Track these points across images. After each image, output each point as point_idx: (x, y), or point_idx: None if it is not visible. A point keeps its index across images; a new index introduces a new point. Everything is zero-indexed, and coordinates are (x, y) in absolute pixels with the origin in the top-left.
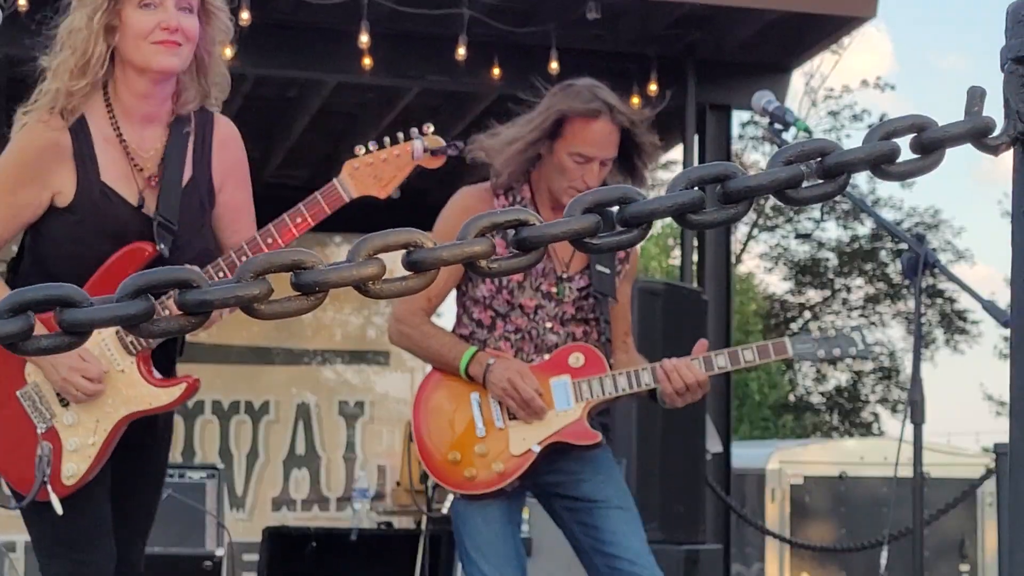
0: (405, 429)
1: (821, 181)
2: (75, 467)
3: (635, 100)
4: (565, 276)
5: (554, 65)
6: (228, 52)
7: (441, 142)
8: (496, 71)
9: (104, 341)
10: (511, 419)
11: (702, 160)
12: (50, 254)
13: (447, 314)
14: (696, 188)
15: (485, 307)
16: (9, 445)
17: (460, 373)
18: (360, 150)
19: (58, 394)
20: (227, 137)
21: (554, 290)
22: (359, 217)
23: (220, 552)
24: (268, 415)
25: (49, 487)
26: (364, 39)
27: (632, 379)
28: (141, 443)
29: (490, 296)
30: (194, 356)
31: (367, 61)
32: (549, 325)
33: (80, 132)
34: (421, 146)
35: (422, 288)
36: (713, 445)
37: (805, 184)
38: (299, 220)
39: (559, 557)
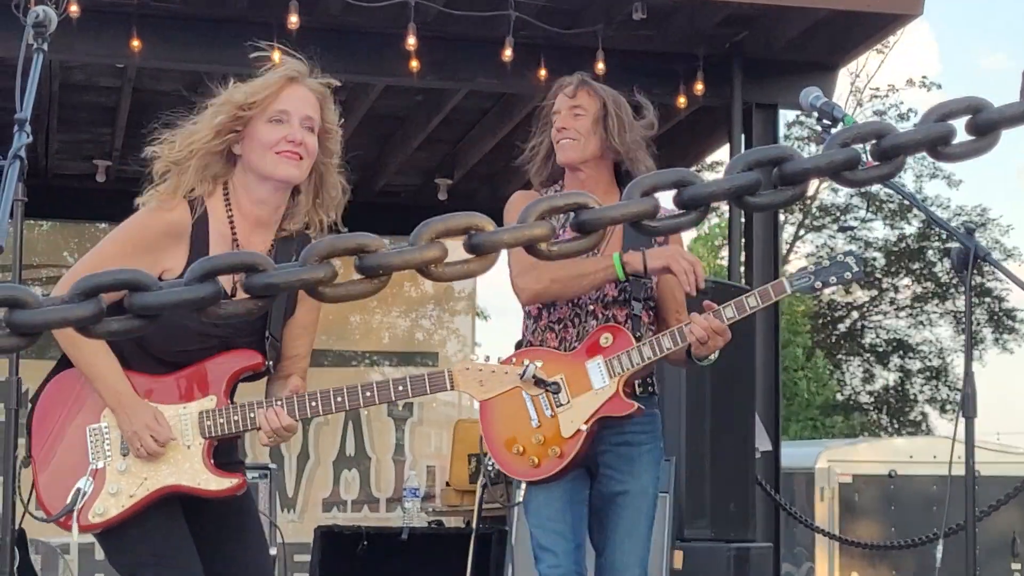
0: (454, 430)
1: (877, 163)
2: (106, 508)
3: (681, 100)
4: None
5: (600, 66)
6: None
7: (544, 377)
8: (543, 72)
9: (187, 415)
10: (559, 407)
11: None
12: None
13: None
14: (752, 171)
15: None
16: (59, 470)
17: (620, 275)
18: (475, 358)
19: (122, 443)
20: None
21: None
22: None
23: (273, 551)
24: (318, 416)
25: (75, 518)
26: (412, 42)
27: (655, 346)
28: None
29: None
30: None
31: (415, 64)
32: (592, 308)
33: (201, 219)
34: (532, 371)
35: (483, 271)
36: (762, 443)
37: (861, 166)
38: (400, 389)
39: None
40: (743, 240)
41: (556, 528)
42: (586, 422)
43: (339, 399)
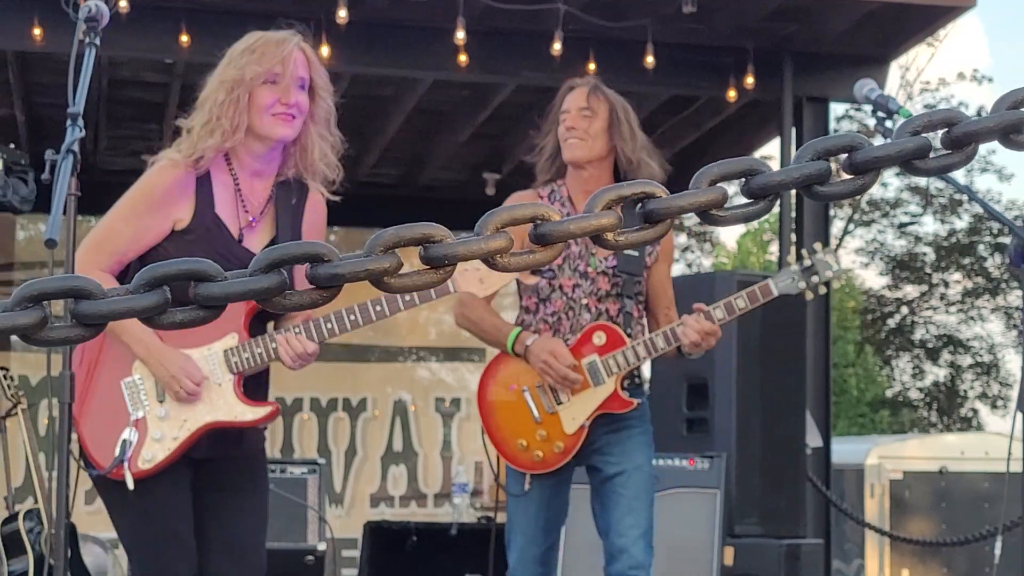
0: None
1: (947, 152)
2: (153, 454)
3: (731, 93)
4: (594, 252)
5: (649, 59)
6: (334, 130)
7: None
8: (591, 66)
9: (212, 355)
10: (559, 404)
11: None
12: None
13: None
14: (822, 160)
15: (532, 293)
16: (101, 424)
17: (508, 351)
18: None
19: (157, 391)
20: (317, 204)
21: (588, 268)
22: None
23: (322, 547)
24: (365, 412)
25: (127, 467)
26: (460, 36)
27: (649, 346)
28: (234, 456)
29: (535, 281)
30: None
31: (462, 58)
32: (585, 302)
33: (203, 172)
34: None
35: (549, 261)
36: (813, 440)
37: (932, 155)
38: (407, 298)
39: (658, 550)
40: (793, 235)
41: (530, 529)
42: (588, 418)
43: (352, 317)
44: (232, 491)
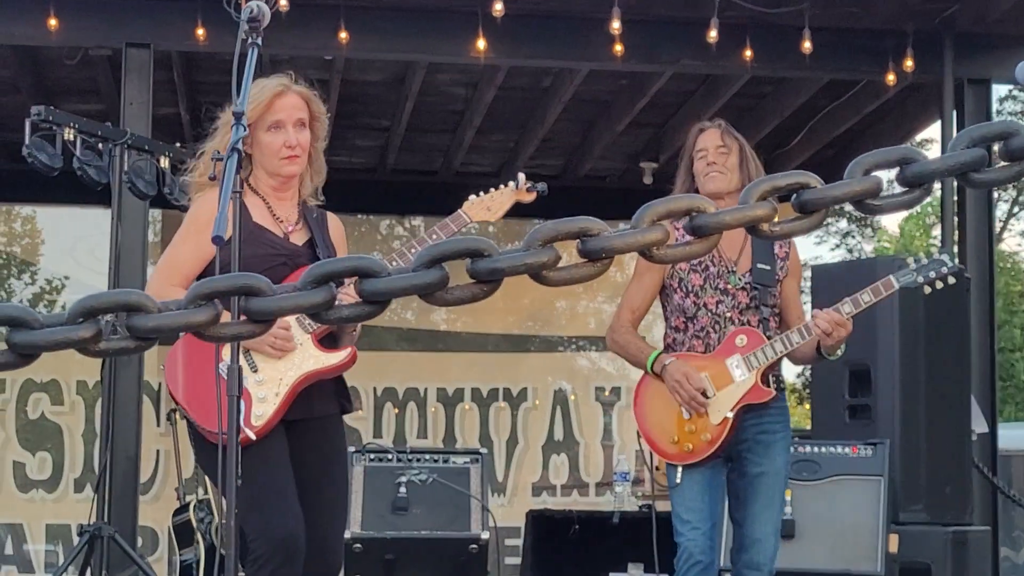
0: None
1: None
2: (263, 412)
3: (890, 77)
4: (734, 270)
5: (807, 45)
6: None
7: (532, 184)
8: (748, 53)
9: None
10: (706, 399)
11: None
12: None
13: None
14: (977, 147)
15: (680, 314)
16: (210, 405)
17: (648, 371)
18: (472, 195)
19: (248, 364)
20: (336, 221)
21: (729, 285)
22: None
23: (485, 535)
24: (526, 402)
25: (247, 431)
26: (615, 25)
27: (785, 341)
28: (320, 418)
29: (681, 301)
30: (452, 345)
31: (619, 47)
32: (729, 315)
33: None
34: (522, 180)
35: (705, 252)
36: (979, 425)
37: None
38: (434, 237)
39: (822, 538)
40: (956, 218)
41: (696, 507)
42: (731, 410)
43: (394, 264)
44: (318, 462)
